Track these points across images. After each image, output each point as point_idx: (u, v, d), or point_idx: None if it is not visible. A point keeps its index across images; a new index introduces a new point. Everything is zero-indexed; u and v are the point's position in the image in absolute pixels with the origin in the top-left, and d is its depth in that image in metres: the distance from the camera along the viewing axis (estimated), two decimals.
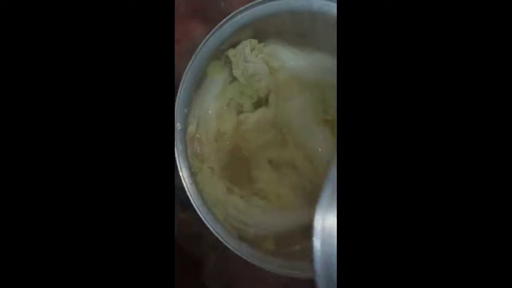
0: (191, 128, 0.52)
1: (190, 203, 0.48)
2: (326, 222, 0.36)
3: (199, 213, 0.46)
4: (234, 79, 0.54)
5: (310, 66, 0.55)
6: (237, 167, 0.54)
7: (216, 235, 0.46)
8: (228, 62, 0.54)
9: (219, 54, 0.53)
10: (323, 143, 0.53)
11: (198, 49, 0.47)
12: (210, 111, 0.53)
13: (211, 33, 0.47)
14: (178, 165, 0.48)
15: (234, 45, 0.53)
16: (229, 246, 0.47)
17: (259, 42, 0.53)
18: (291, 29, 0.54)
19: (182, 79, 0.49)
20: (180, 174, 0.48)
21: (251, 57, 0.53)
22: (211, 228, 0.46)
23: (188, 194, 0.47)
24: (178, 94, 0.48)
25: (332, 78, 0.55)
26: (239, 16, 0.47)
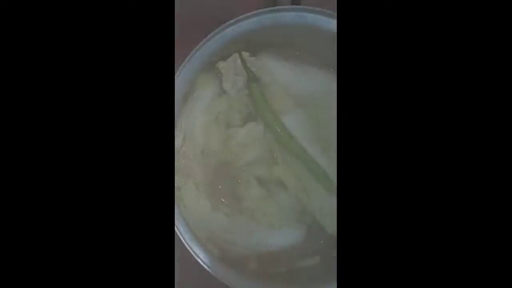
0: (177, 142, 0.50)
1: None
2: None
3: (178, 232, 0.44)
4: (223, 92, 0.52)
5: (304, 81, 0.54)
6: (224, 184, 0.52)
7: (195, 256, 0.44)
8: (218, 75, 0.52)
9: (209, 66, 0.51)
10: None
11: (186, 60, 0.46)
12: (197, 125, 0.51)
13: (200, 44, 0.45)
14: None
15: (225, 58, 0.51)
16: (207, 269, 0.45)
17: (251, 55, 0.52)
18: (285, 43, 0.52)
19: None
20: None
21: (242, 70, 0.51)
22: (189, 248, 0.44)
23: None
24: None
25: (326, 95, 0.54)
26: (230, 28, 0.46)
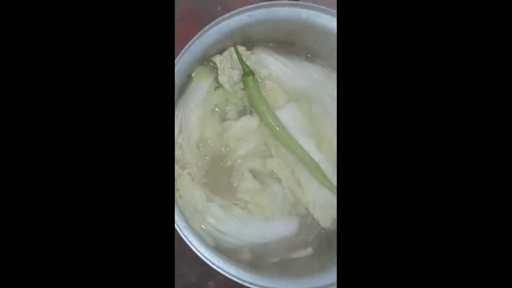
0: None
1: None
2: None
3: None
4: (219, 85, 0.53)
5: (298, 76, 0.54)
6: (218, 175, 0.53)
7: (189, 244, 0.45)
8: (214, 68, 0.53)
9: (206, 60, 0.52)
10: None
11: (182, 53, 0.46)
12: (193, 117, 0.52)
13: (195, 37, 0.46)
14: None
15: (221, 52, 0.52)
16: (202, 257, 0.45)
17: (246, 50, 0.53)
18: (280, 38, 0.53)
19: None
20: None
21: (237, 64, 0.52)
22: (183, 237, 0.45)
23: None
24: None
25: (320, 90, 0.54)
26: (225, 22, 0.46)
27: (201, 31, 0.46)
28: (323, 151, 0.54)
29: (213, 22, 0.46)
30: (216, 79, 0.53)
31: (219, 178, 0.53)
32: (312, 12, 0.48)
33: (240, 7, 0.52)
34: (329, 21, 0.49)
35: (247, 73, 0.52)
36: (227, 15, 0.46)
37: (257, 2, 0.52)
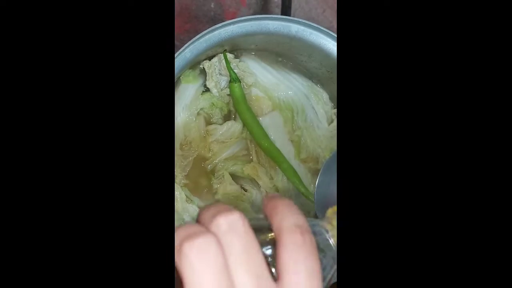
0: None
1: None
2: None
3: None
4: (206, 90, 0.55)
5: (283, 85, 0.56)
6: (199, 177, 0.55)
7: None
8: (202, 73, 0.54)
9: (195, 64, 0.53)
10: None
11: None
12: (178, 119, 0.53)
13: (186, 44, 0.47)
14: None
15: (210, 57, 0.53)
16: None
17: (235, 57, 0.54)
18: (268, 48, 0.55)
19: None
20: None
21: (225, 70, 0.53)
22: None
23: None
24: None
25: (303, 100, 0.56)
26: (216, 32, 0.47)
27: (193, 39, 0.47)
28: (302, 159, 0.56)
29: (205, 31, 0.47)
30: (204, 84, 0.54)
31: (200, 180, 0.55)
32: (302, 27, 0.49)
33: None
34: (318, 37, 0.50)
35: (234, 79, 0.53)
36: (219, 25, 0.47)
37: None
